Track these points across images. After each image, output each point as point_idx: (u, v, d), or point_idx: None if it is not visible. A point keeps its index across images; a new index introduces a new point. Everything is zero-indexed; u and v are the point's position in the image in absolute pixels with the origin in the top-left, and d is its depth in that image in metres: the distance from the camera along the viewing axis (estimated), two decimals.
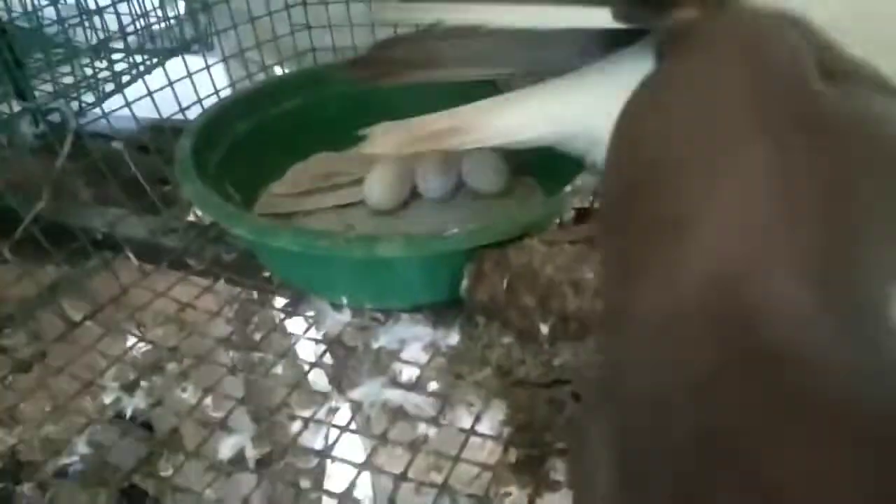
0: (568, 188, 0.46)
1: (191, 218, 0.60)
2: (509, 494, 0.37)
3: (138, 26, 0.67)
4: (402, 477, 0.37)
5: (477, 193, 0.59)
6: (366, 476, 0.37)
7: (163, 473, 0.38)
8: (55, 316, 0.48)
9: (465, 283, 0.45)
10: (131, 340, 0.46)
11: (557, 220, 0.46)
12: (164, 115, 0.61)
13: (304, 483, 0.37)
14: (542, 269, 0.42)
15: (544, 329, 0.42)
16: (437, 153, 0.57)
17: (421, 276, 0.46)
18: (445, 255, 0.44)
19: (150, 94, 0.59)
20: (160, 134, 0.62)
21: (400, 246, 0.41)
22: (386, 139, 0.47)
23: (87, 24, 0.64)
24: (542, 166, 0.58)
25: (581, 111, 0.41)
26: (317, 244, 0.42)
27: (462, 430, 0.40)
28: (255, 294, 0.52)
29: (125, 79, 0.62)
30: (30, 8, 0.64)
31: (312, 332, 0.48)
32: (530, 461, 0.38)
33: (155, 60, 0.64)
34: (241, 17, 0.65)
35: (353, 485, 0.37)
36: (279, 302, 0.51)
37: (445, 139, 0.45)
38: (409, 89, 0.52)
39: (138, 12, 0.67)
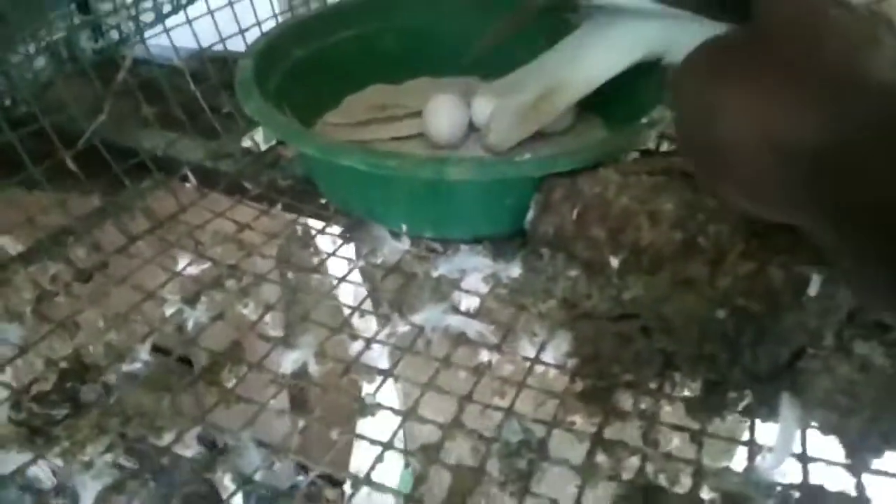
0: (644, 119, 0.44)
1: (246, 143, 0.59)
2: (574, 423, 0.36)
3: None
4: (468, 398, 0.36)
5: (540, 132, 0.57)
6: (431, 396, 0.37)
7: (227, 384, 0.37)
8: (116, 229, 0.48)
9: (531, 213, 0.44)
10: (191, 257, 0.46)
11: (634, 152, 0.44)
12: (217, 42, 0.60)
13: (369, 399, 0.36)
14: (616, 199, 0.41)
15: (614, 262, 0.41)
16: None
17: (485, 204, 0.45)
18: (513, 183, 0.43)
19: (211, 12, 0.57)
20: (214, 61, 0.61)
21: (471, 168, 0.40)
22: (508, 134, 0.51)
23: None
24: (603, 103, 0.55)
25: (664, 35, 0.41)
26: (386, 164, 0.41)
27: (526, 359, 0.39)
28: (311, 220, 0.52)
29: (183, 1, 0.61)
30: None
31: (371, 259, 0.47)
32: (597, 392, 0.37)
33: None
34: None
35: (417, 403, 0.36)
36: (336, 229, 0.50)
37: (546, 110, 0.48)
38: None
39: None
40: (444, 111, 0.56)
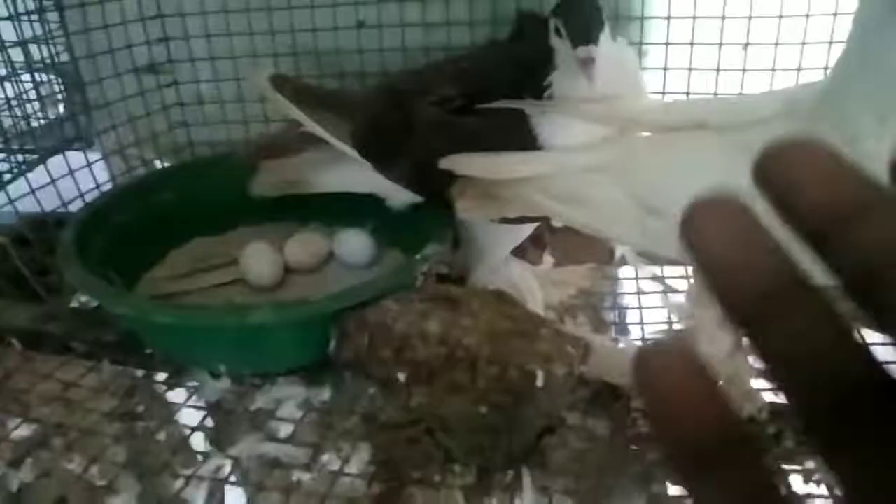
0: (417, 256, 0.54)
1: (74, 304, 0.63)
2: None
3: (21, 128, 0.71)
4: None
5: (349, 266, 0.66)
6: None
7: None
8: None
9: (332, 343, 0.52)
10: (17, 421, 0.49)
11: (417, 282, 0.53)
12: (47, 210, 0.65)
13: None
14: (395, 325, 0.49)
15: (401, 377, 0.49)
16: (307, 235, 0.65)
17: (292, 340, 0.52)
18: (313, 319, 0.51)
19: (32, 191, 0.62)
20: (42, 228, 0.65)
21: (269, 312, 0.47)
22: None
23: None
24: (405, 240, 0.65)
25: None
26: (193, 316, 0.47)
27: (332, 472, 0.46)
28: (137, 372, 0.56)
29: (6, 177, 0.66)
30: None
31: (194, 401, 0.52)
32: (391, 491, 0.44)
33: (37, 157, 0.68)
34: (119, 117, 0.71)
35: None
36: (161, 376, 0.55)
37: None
38: None
39: (19, 115, 0.71)
40: (258, 257, 0.64)
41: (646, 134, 0.52)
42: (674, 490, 0.42)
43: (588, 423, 0.47)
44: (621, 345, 0.56)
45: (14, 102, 0.72)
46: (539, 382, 0.44)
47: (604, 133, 0.52)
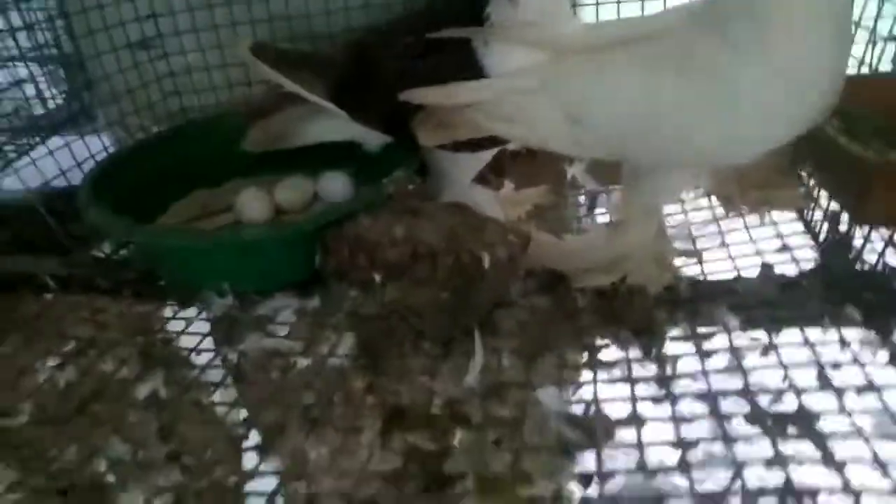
0: (385, 180, 0.63)
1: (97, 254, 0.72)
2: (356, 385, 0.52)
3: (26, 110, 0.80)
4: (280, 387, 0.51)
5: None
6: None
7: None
8: None
9: (318, 257, 0.61)
10: (57, 340, 0.58)
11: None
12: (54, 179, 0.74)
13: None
14: (367, 235, 0.58)
15: (377, 277, 0.58)
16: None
17: (284, 258, 0.61)
18: (299, 238, 0.60)
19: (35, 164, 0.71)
20: (59, 196, 0.74)
21: (261, 230, 0.57)
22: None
23: None
24: (379, 176, 0.74)
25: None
26: (197, 236, 0.56)
27: (323, 356, 0.55)
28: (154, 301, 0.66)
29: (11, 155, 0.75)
30: None
31: (203, 316, 0.61)
32: (369, 365, 0.54)
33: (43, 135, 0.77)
34: (118, 90, 0.80)
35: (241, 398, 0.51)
36: (174, 301, 0.64)
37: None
38: None
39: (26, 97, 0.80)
40: (251, 199, 0.72)
41: (574, 55, 0.60)
42: (600, 341, 0.51)
43: (533, 300, 0.56)
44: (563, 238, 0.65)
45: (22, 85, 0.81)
46: (486, 264, 0.53)
47: (539, 58, 0.61)
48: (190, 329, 0.60)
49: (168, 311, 0.63)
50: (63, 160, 0.75)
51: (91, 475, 0.43)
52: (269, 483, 0.43)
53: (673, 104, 0.49)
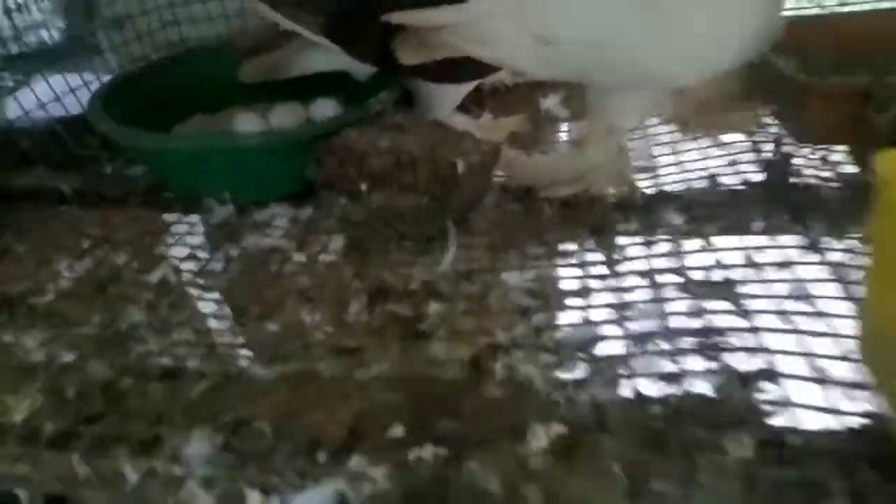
0: (372, 99, 0.69)
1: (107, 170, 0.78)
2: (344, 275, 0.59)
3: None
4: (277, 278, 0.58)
5: None
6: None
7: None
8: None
9: (310, 168, 0.67)
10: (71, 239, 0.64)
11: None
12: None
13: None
14: (355, 146, 0.64)
15: (364, 186, 0.64)
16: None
17: (279, 169, 0.67)
18: (292, 149, 0.66)
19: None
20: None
21: (256, 136, 0.62)
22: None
23: None
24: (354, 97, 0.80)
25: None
26: (198, 140, 0.62)
27: (316, 252, 0.62)
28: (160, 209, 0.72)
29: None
30: None
31: (207, 221, 0.68)
32: (357, 260, 0.60)
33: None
34: (120, 18, 0.85)
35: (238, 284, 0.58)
36: (179, 208, 0.71)
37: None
38: None
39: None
40: (247, 122, 0.78)
41: None
42: (559, 237, 0.58)
43: (504, 206, 0.63)
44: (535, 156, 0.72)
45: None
46: (460, 170, 0.59)
47: None
48: (193, 231, 0.66)
49: (173, 217, 0.70)
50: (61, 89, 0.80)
51: (114, 333, 0.50)
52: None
53: (626, 25, 0.55)
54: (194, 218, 0.69)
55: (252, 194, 0.68)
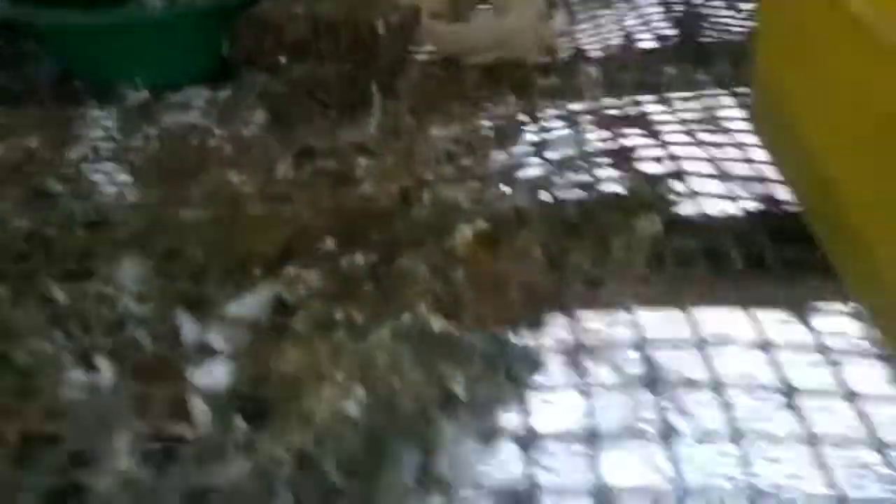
0: None
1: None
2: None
3: None
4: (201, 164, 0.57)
5: None
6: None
7: None
8: None
9: (224, 45, 0.65)
10: None
11: None
12: None
13: None
14: (270, 17, 0.63)
15: (283, 59, 0.63)
16: None
17: (192, 45, 0.65)
18: (200, 22, 0.63)
19: None
20: None
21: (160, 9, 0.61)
22: None
23: None
24: None
25: None
26: (102, 13, 0.60)
27: (237, 128, 0.61)
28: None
29: None
30: None
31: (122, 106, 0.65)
32: (280, 130, 0.60)
33: None
34: None
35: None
36: (90, 96, 0.68)
37: None
38: None
39: None
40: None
41: None
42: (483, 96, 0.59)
43: (428, 71, 0.63)
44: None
45: None
46: (381, 31, 0.59)
47: None
48: (109, 116, 0.64)
49: (86, 107, 0.67)
50: None
51: (33, 197, 0.49)
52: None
53: None
54: (108, 106, 0.67)
55: (165, 76, 0.66)
